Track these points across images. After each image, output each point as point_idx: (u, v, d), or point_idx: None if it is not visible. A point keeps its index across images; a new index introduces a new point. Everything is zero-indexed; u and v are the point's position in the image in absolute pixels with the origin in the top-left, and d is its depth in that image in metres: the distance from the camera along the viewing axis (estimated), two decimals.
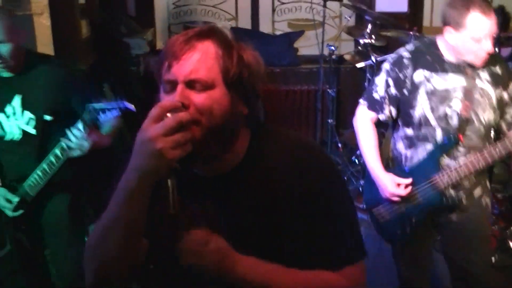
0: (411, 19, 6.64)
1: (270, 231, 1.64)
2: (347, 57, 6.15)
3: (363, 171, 5.48)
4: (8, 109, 3.25)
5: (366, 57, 5.33)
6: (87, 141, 3.06)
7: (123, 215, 1.50)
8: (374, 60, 5.16)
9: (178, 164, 1.45)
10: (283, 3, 6.93)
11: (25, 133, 3.27)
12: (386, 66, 3.17)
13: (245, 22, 6.95)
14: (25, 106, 3.25)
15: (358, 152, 5.76)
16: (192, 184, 1.66)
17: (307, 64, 6.66)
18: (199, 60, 1.54)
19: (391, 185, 3.10)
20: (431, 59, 3.03)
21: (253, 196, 1.66)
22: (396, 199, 3.12)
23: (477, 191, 3.16)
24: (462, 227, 3.19)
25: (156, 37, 6.84)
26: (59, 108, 3.22)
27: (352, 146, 6.22)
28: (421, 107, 3.00)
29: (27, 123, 3.26)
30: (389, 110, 3.15)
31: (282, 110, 6.57)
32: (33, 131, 3.27)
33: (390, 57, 3.23)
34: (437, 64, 3.01)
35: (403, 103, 3.08)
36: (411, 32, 5.00)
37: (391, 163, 3.24)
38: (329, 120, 5.98)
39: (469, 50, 2.88)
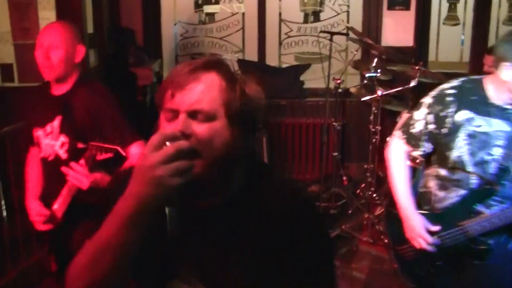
0: (417, 54, 6.66)
1: (252, 266, 1.64)
2: (353, 90, 6.17)
3: (367, 204, 5.46)
4: (48, 127, 3.25)
5: (372, 91, 5.34)
6: (86, 178, 3.01)
7: (118, 240, 1.48)
8: (379, 94, 5.16)
9: (179, 193, 1.44)
10: (290, 36, 6.98)
11: (56, 156, 3.24)
12: (427, 100, 3.03)
13: (252, 55, 6.99)
14: (62, 129, 3.21)
15: (362, 186, 5.76)
16: (187, 214, 1.65)
17: (313, 97, 6.68)
18: (203, 91, 1.56)
19: (420, 228, 2.99)
20: (476, 99, 2.88)
21: (243, 229, 1.66)
22: (422, 244, 2.99)
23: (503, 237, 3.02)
24: (486, 272, 3.04)
25: (163, 68, 6.87)
26: (92, 137, 3.07)
27: (357, 180, 6.23)
28: (459, 151, 2.88)
29: (61, 147, 3.22)
30: (425, 147, 3.04)
31: (288, 142, 6.57)
32: (64, 155, 3.22)
33: (433, 92, 3.06)
34: (482, 106, 2.86)
35: (441, 143, 2.96)
36: (417, 67, 5.03)
37: (421, 201, 3.10)
38: (334, 153, 5.98)
39: None
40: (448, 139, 2.91)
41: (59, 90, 3.24)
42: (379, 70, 5.38)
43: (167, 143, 1.44)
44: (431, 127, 2.98)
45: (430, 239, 2.98)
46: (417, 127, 3.03)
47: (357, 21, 6.79)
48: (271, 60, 7.00)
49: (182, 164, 1.42)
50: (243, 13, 6.93)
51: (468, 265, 3.06)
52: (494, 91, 2.85)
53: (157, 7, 6.92)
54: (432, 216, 3.04)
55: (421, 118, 3.02)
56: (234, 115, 1.58)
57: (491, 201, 2.90)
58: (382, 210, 5.12)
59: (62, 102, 3.22)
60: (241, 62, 6.91)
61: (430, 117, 2.97)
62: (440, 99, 2.96)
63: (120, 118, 3.19)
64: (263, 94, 1.68)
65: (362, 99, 5.45)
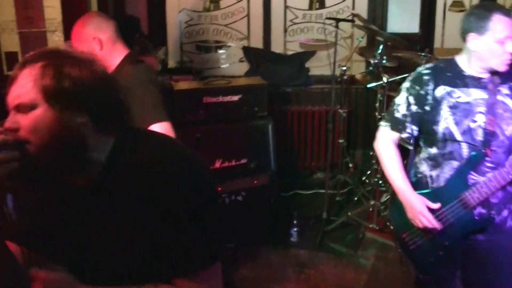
0: (423, 40, 6.64)
1: (130, 237, 1.70)
2: (358, 77, 6.16)
3: (373, 191, 5.46)
4: None
5: (377, 78, 5.33)
6: None
7: None
8: (385, 81, 5.15)
9: (14, 179, 1.60)
10: (295, 23, 6.94)
11: None
12: (405, 84, 3.15)
13: (257, 42, 6.95)
14: None
15: (368, 172, 5.76)
16: (62, 193, 1.77)
17: (318, 84, 6.66)
18: (18, 86, 1.66)
19: (420, 205, 3.04)
20: (451, 75, 3.02)
21: (115, 203, 1.72)
22: (424, 221, 3.03)
23: (504, 212, 3.10)
24: (490, 250, 3.10)
25: (168, 55, 6.86)
26: None
27: (363, 167, 6.23)
28: (445, 122, 2.98)
29: None
30: (412, 129, 3.12)
31: (293, 130, 6.57)
32: None
33: (409, 76, 3.19)
34: (458, 79, 3.01)
35: (426, 120, 3.05)
36: (422, 53, 5.01)
37: (418, 188, 3.14)
38: (340, 141, 5.98)
39: (494, 54, 2.87)
40: (432, 114, 3.03)
41: None
42: (384, 57, 5.38)
43: None
44: (414, 108, 3.09)
45: (430, 215, 3.03)
46: (400, 111, 3.14)
47: (362, 8, 6.76)
48: (276, 47, 6.96)
49: (3, 156, 1.56)
50: (248, 0, 6.90)
51: (473, 242, 3.11)
52: (466, 63, 3.02)
53: None
54: (430, 194, 3.09)
55: (402, 102, 3.14)
56: (52, 98, 1.63)
57: (484, 168, 2.98)
58: (388, 197, 5.13)
59: None
60: (246, 50, 6.90)
61: (411, 99, 3.10)
62: (417, 80, 3.09)
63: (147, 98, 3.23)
64: (98, 68, 1.73)
65: (368, 86, 5.45)
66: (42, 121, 1.62)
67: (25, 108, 1.63)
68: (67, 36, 5.76)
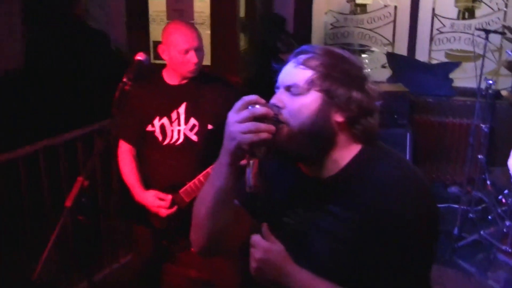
0: None
1: (346, 244, 1.71)
2: (504, 93, 5.95)
3: (510, 212, 5.26)
4: (174, 114, 3.41)
5: None
6: None
7: (214, 184, 1.80)
8: None
9: (260, 150, 1.67)
10: (441, 32, 6.80)
11: (186, 138, 3.42)
12: None
13: (401, 49, 6.87)
14: (190, 113, 3.42)
15: (506, 192, 5.56)
16: (295, 180, 1.87)
17: (461, 96, 6.50)
18: (296, 68, 1.77)
19: None
20: None
21: (341, 205, 1.74)
22: None
23: None
24: None
25: None
26: (221, 121, 3.29)
27: (501, 185, 6.02)
28: None
29: (191, 130, 3.41)
30: None
31: (432, 141, 6.44)
32: (194, 138, 3.42)
33: None
34: None
35: None
36: None
37: None
38: (480, 156, 5.81)
39: None
40: None
41: (175, 80, 3.47)
42: None
43: (250, 107, 1.67)
44: None
45: None
46: None
47: None
48: (421, 55, 6.85)
49: (253, 125, 1.63)
50: (396, 6, 6.83)
51: None
52: None
53: None
54: None
55: None
56: (325, 92, 1.72)
57: None
58: None
59: (186, 90, 3.45)
60: (390, 56, 6.83)
61: None
62: None
63: None
64: (375, 87, 1.82)
65: None
66: (307, 108, 1.72)
67: (296, 90, 1.74)
68: (214, 29, 5.95)
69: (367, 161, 1.76)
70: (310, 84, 1.73)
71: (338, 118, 1.74)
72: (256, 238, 1.77)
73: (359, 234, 1.68)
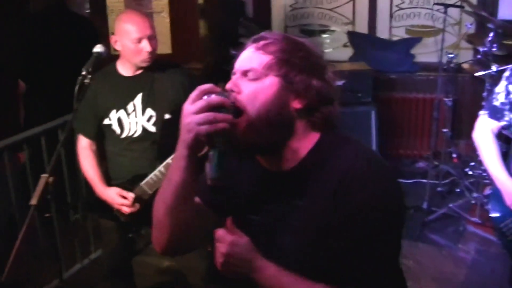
0: None
1: (313, 235, 1.71)
2: (465, 66, 5.98)
3: (477, 183, 5.33)
4: (130, 106, 3.37)
5: (485, 67, 5.16)
6: None
7: (173, 178, 1.74)
8: (495, 70, 4.97)
9: (219, 141, 1.63)
10: (401, 9, 6.81)
11: (144, 130, 3.38)
12: (506, 73, 3.13)
13: (362, 27, 6.87)
14: (147, 103, 3.38)
15: (472, 164, 5.61)
16: (255, 173, 1.84)
17: (424, 71, 6.53)
18: (253, 53, 1.75)
19: None
20: None
21: (301, 196, 1.73)
22: None
23: None
24: None
25: None
26: (178, 109, 3.28)
27: (467, 157, 6.07)
28: None
29: (148, 120, 3.37)
30: (510, 117, 3.09)
31: (397, 117, 6.47)
32: (152, 128, 3.38)
33: (510, 65, 3.15)
34: None
35: None
36: None
37: None
38: (444, 130, 5.85)
39: None
40: None
41: (129, 71, 3.43)
42: (494, 45, 5.19)
43: (205, 97, 1.64)
44: None
45: None
46: (499, 99, 3.12)
47: None
48: (382, 32, 6.86)
49: (210, 115, 1.60)
50: None
51: None
52: None
53: None
54: None
55: (501, 91, 3.12)
56: (282, 77, 1.71)
57: None
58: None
59: (141, 80, 3.41)
60: (351, 34, 6.83)
61: (511, 87, 3.07)
62: None
63: None
64: (334, 76, 1.80)
65: (475, 74, 5.29)
66: (263, 93, 1.69)
67: (252, 75, 1.71)
68: (173, 17, 5.91)
69: (327, 149, 1.74)
70: (268, 68, 1.70)
71: (297, 104, 1.72)
72: (221, 232, 1.73)
73: (325, 224, 1.67)
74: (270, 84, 1.70)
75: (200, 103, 1.62)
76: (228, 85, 1.73)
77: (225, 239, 1.70)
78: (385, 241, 1.68)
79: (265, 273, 1.69)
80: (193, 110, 1.62)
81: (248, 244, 1.71)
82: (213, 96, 1.63)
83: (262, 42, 1.76)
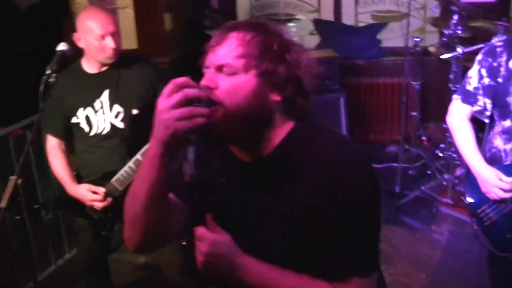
0: (499, 10, 6.42)
1: (288, 223, 1.68)
2: (432, 49, 6.02)
3: (447, 165, 5.37)
4: (97, 103, 3.34)
5: (451, 49, 5.20)
6: None
7: (147, 177, 1.65)
8: (460, 52, 5.01)
9: (195, 136, 1.56)
10: None
11: (113, 126, 3.36)
12: (478, 57, 3.09)
13: (327, 14, 6.88)
14: (114, 100, 3.35)
15: (442, 146, 5.65)
16: (230, 166, 1.81)
17: (391, 56, 6.56)
18: (227, 47, 1.67)
19: (494, 178, 2.96)
20: None
21: (278, 184, 1.71)
22: (499, 193, 2.95)
23: None
24: None
25: None
26: (146, 104, 3.27)
27: (437, 140, 6.12)
28: None
29: (116, 117, 3.35)
30: (484, 102, 3.05)
31: (366, 103, 6.50)
32: (121, 125, 3.36)
33: (482, 49, 3.11)
34: None
35: (499, 92, 2.98)
36: (500, 23, 4.85)
37: (489, 164, 3.05)
38: (413, 113, 5.89)
39: None
40: (505, 86, 2.96)
41: (94, 68, 3.39)
42: (459, 27, 5.23)
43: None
44: (486, 81, 3.03)
45: (505, 185, 2.94)
46: (472, 84, 3.09)
47: None
48: (348, 19, 6.87)
49: (188, 110, 1.53)
50: None
51: None
52: None
53: None
54: (504, 168, 3.00)
55: (474, 75, 3.08)
56: (260, 70, 1.66)
57: None
58: (463, 170, 5.03)
59: (106, 77, 3.38)
60: (317, 22, 6.84)
61: (483, 71, 3.03)
62: (490, 52, 3.03)
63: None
64: (313, 60, 1.74)
65: (442, 57, 5.32)
66: (241, 88, 1.64)
67: (229, 70, 1.65)
68: (137, 11, 5.87)
69: (301, 136, 1.73)
70: (244, 63, 1.65)
71: (275, 97, 1.69)
72: (201, 230, 1.68)
73: (305, 209, 1.65)
74: (249, 79, 1.65)
75: (177, 97, 1.54)
76: (204, 81, 1.66)
77: (206, 237, 1.67)
78: (368, 225, 1.69)
79: (248, 271, 1.67)
80: (169, 105, 1.54)
81: (229, 242, 1.68)
82: (190, 89, 1.57)
83: (234, 33, 1.69)
